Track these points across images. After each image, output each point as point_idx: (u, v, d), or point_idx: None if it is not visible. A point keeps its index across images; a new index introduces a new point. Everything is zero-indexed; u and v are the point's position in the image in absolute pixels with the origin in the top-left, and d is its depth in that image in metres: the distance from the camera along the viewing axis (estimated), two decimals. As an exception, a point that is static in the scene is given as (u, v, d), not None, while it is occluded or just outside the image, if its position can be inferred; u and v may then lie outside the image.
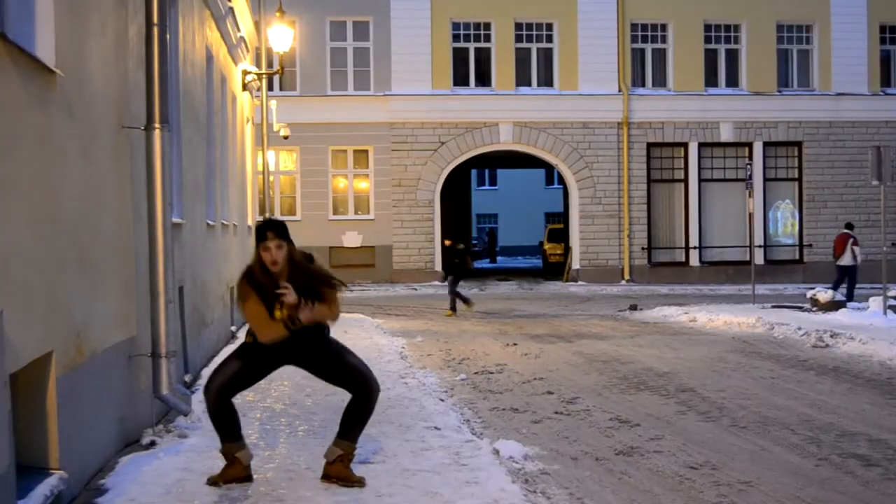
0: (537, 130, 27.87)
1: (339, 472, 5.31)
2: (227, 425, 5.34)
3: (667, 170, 28.65)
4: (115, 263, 6.01)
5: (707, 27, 28.48)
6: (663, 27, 28.43)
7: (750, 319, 15.44)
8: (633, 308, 19.09)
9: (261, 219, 5.06)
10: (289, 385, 8.74)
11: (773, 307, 18.24)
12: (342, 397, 8.07)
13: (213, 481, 5.27)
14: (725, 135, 28.40)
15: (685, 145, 28.41)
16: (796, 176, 28.95)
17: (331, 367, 5.45)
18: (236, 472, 5.32)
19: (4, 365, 3.95)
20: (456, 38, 27.81)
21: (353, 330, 13.39)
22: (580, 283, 27.56)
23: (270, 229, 5.20)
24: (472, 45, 27.95)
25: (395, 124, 27.39)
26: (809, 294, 18.24)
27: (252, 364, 5.37)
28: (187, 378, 8.36)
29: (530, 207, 54.66)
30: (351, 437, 5.39)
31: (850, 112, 28.55)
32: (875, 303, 16.03)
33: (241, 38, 14.59)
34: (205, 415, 7.14)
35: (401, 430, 6.82)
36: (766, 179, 28.47)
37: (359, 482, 5.27)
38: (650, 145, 28.26)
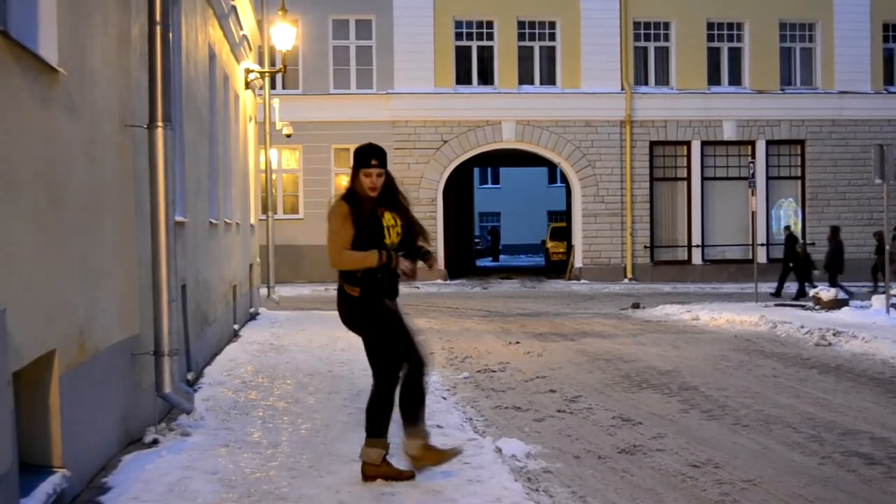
0: (540, 129, 27.85)
1: (383, 472, 5.30)
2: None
3: (669, 168, 28.63)
4: (117, 262, 6.01)
5: (710, 25, 28.44)
6: (666, 25, 28.40)
7: (752, 318, 15.43)
8: (636, 306, 19.07)
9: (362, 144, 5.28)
10: (291, 383, 8.76)
11: (776, 305, 18.23)
12: (345, 396, 8.13)
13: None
14: (728, 133, 28.37)
15: (688, 144, 28.39)
16: (799, 174, 28.93)
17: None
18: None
19: (7, 363, 3.95)
20: (459, 36, 27.79)
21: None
22: (582, 281, 27.55)
23: (374, 156, 5.22)
24: (474, 44, 27.93)
25: (398, 123, 27.38)
26: (812, 292, 18.23)
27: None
28: (190, 376, 8.37)
29: (533, 206, 54.65)
30: (373, 433, 5.32)
31: (853, 110, 28.52)
32: (878, 301, 16.01)
33: (244, 36, 14.59)
34: (208, 413, 7.16)
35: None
36: (768, 178, 28.43)
37: (409, 475, 5.30)
38: (653, 143, 28.24)
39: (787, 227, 23.12)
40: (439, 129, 27.58)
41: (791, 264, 21.52)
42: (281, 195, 27.55)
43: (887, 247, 16.91)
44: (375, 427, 5.32)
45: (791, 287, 21.30)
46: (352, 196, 5.25)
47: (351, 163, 5.47)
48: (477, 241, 46.95)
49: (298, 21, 21.96)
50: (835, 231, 21.26)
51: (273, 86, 20.88)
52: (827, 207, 28.61)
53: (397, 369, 5.29)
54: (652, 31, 28.42)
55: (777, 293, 21.10)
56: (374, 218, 5.23)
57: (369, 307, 5.22)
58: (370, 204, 5.24)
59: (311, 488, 5.20)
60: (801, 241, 21.95)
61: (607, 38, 27.77)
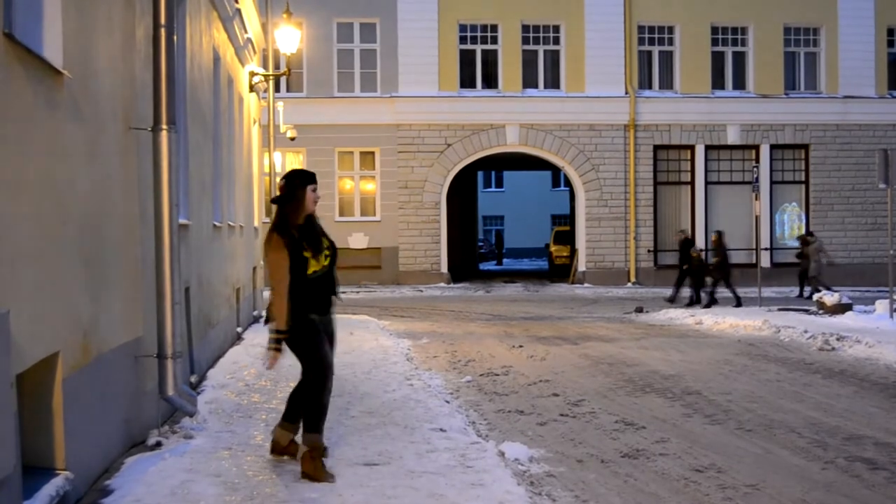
0: (544, 132, 27.86)
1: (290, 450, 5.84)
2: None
3: (673, 172, 28.62)
4: (121, 264, 6.02)
5: (714, 29, 28.44)
6: (670, 29, 28.40)
7: (756, 322, 15.41)
8: (639, 310, 19.06)
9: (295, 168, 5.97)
10: (294, 386, 8.74)
11: (780, 310, 18.19)
12: (348, 399, 8.13)
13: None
14: (732, 137, 28.36)
15: (692, 148, 28.38)
16: (803, 179, 28.90)
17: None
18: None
19: (11, 365, 3.95)
20: (463, 39, 27.81)
21: (358, 332, 13.40)
22: (586, 285, 27.54)
23: (314, 178, 5.75)
24: (478, 47, 27.96)
25: (402, 126, 27.40)
26: (816, 297, 18.20)
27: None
28: (193, 379, 8.37)
29: (536, 209, 54.67)
30: (291, 419, 5.90)
31: (858, 115, 28.50)
32: (881, 306, 15.99)
33: (249, 39, 14.60)
34: (211, 415, 7.17)
35: (406, 431, 6.82)
36: (772, 182, 28.42)
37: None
38: (657, 147, 28.24)
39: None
40: (443, 133, 27.60)
41: (685, 266, 21.24)
42: (285, 198, 27.50)
43: (893, 251, 16.86)
44: (293, 415, 5.90)
45: (686, 291, 20.94)
46: (286, 224, 5.59)
47: (277, 193, 5.80)
48: (480, 244, 46.93)
49: (303, 24, 22.03)
50: (719, 235, 21.05)
51: (277, 89, 20.92)
52: (831, 212, 28.59)
53: (324, 370, 5.75)
54: (656, 35, 28.42)
55: (672, 299, 20.87)
56: (311, 239, 5.67)
57: (298, 322, 5.61)
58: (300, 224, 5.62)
59: (314, 492, 5.19)
60: (696, 245, 21.81)
61: (612, 42, 27.78)
